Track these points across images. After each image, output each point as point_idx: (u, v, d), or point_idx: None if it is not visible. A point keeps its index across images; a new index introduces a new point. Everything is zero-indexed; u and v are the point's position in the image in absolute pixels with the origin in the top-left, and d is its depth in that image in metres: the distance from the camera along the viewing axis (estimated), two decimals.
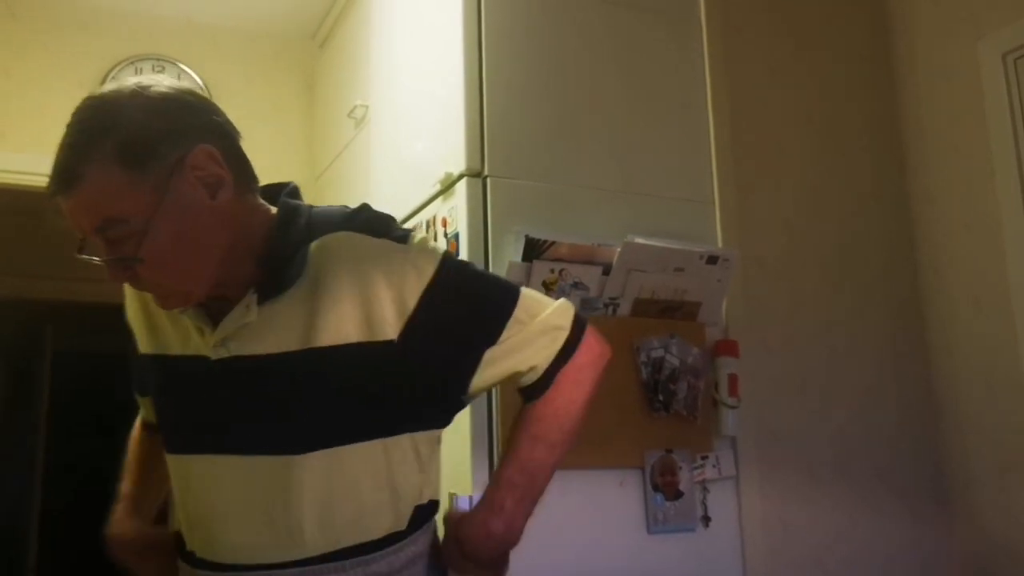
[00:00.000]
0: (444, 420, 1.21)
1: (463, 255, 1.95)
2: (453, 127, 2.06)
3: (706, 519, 2.03)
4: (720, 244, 2.21)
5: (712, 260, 2.09)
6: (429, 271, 1.13)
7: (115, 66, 2.99)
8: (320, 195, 3.14)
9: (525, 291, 1.21)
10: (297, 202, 1.21)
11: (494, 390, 1.87)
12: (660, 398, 2.02)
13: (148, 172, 1.04)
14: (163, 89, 1.10)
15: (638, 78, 2.24)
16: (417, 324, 1.11)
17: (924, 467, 2.39)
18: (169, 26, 3.12)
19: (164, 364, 1.20)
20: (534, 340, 1.18)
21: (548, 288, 1.96)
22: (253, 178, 1.17)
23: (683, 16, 2.34)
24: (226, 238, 1.12)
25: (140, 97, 1.07)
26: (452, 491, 1.76)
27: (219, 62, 3.12)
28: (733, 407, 2.09)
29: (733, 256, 2.13)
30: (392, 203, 2.33)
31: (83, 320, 4.91)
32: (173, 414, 1.20)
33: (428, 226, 2.14)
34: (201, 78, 3.05)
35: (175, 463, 1.18)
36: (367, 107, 2.77)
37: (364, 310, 1.10)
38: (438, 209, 2.10)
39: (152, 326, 1.23)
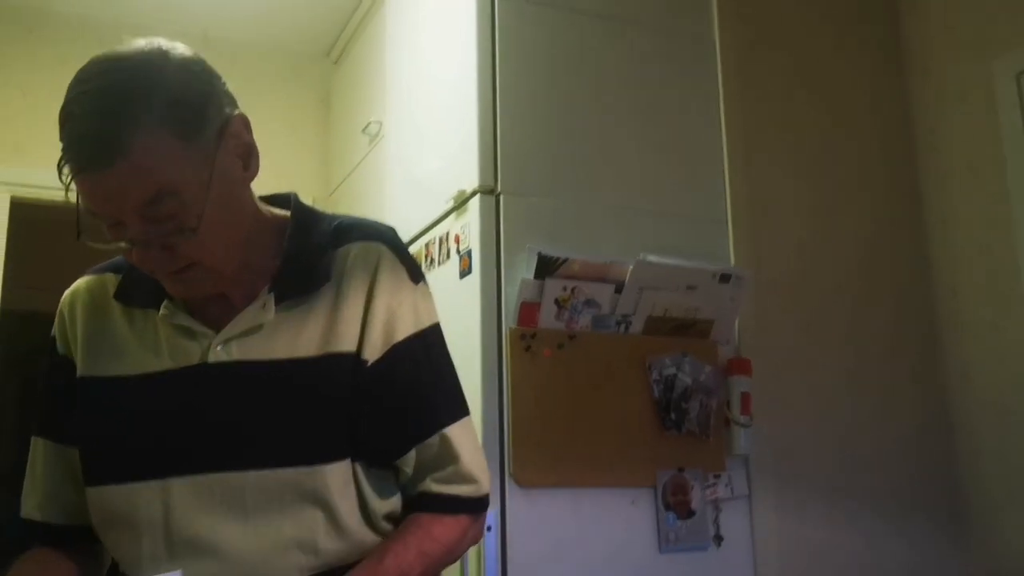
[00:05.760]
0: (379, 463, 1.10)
1: (476, 272, 1.96)
2: (467, 144, 2.07)
3: (718, 538, 2.02)
4: (733, 263, 2.21)
5: (725, 278, 2.09)
6: (424, 323, 1.11)
7: None
8: (333, 210, 3.15)
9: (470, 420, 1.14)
10: (313, 207, 1.18)
11: (505, 384, 1.89)
12: (672, 416, 2.01)
13: (198, 138, 0.96)
14: (186, 51, 1.01)
15: (652, 97, 2.25)
16: (390, 361, 1.07)
17: (940, 487, 2.37)
18: (185, 41, 3.14)
19: (125, 386, 1.05)
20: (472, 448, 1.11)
21: (561, 305, 1.96)
22: None
23: (697, 35, 2.35)
24: (252, 217, 1.08)
25: (171, 58, 0.98)
26: None
27: (234, 78, 3.12)
28: (746, 426, 2.08)
29: (746, 274, 2.13)
30: (405, 219, 2.34)
31: None
32: (137, 439, 1.04)
33: (441, 243, 2.14)
34: None
35: (139, 492, 1.02)
36: (381, 124, 2.78)
37: (361, 324, 1.07)
38: (451, 226, 2.11)
39: (101, 346, 1.09)
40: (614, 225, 2.11)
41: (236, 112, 1.04)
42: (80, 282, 1.16)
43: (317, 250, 1.09)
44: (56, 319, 1.14)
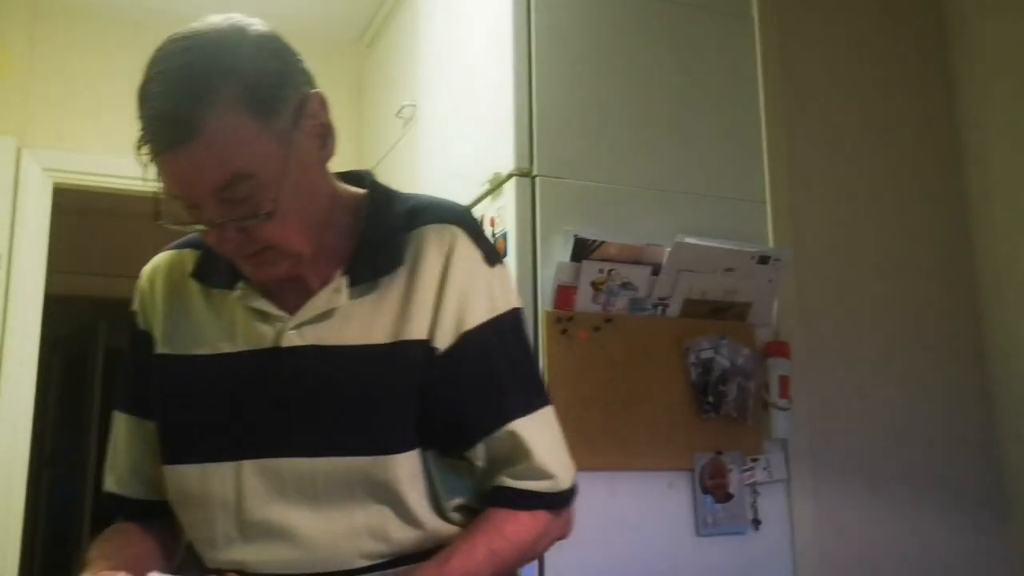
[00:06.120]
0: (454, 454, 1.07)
1: (512, 255, 1.95)
2: (502, 126, 2.06)
3: (756, 522, 2.00)
4: (772, 244, 2.18)
5: (763, 260, 2.06)
6: (500, 308, 1.06)
7: None
8: None
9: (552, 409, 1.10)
10: (390, 187, 1.14)
11: (541, 368, 1.86)
12: (710, 399, 1.99)
13: (274, 119, 0.94)
14: (263, 28, 1.00)
15: (689, 76, 2.22)
16: (461, 349, 1.03)
17: (983, 474, 2.33)
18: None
19: (201, 366, 1.05)
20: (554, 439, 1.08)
21: (597, 288, 1.94)
22: None
23: (736, 13, 2.31)
24: (328, 197, 1.05)
25: (248, 35, 0.96)
26: None
27: None
28: (784, 409, 2.05)
29: (785, 256, 2.10)
30: None
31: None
32: (211, 420, 1.04)
33: None
34: None
35: (213, 473, 1.02)
36: (415, 107, 2.78)
37: (433, 310, 1.03)
38: (486, 209, 2.10)
39: (179, 324, 1.08)
40: (651, 207, 2.09)
41: (314, 91, 1.01)
42: (159, 258, 1.15)
43: (392, 232, 1.06)
44: (136, 295, 1.14)
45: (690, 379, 1.99)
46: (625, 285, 1.97)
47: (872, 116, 2.47)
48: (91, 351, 4.37)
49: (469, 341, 1.03)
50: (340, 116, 3.39)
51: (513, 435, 1.03)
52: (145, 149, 0.92)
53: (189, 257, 1.12)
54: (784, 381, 2.07)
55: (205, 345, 1.06)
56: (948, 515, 2.25)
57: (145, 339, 1.11)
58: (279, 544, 0.99)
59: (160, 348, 1.08)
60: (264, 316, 1.04)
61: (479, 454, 1.04)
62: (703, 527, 1.95)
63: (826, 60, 2.44)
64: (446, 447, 1.05)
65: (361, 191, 1.12)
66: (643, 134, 2.14)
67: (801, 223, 2.27)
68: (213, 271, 1.08)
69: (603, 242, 1.94)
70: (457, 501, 1.05)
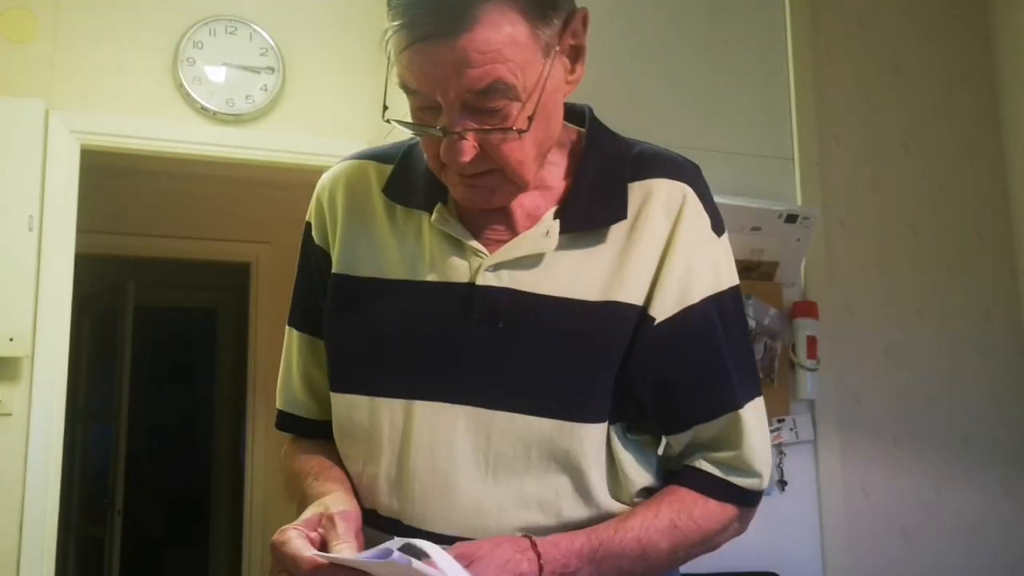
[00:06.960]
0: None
1: None
2: None
3: (782, 483, 2.00)
4: (799, 202, 2.15)
5: (791, 219, 2.04)
6: (724, 284, 0.95)
7: (190, 27, 3.03)
8: None
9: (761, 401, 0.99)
10: (609, 128, 1.01)
11: None
12: None
13: (546, 27, 0.84)
14: None
15: (717, 32, 2.17)
16: (682, 323, 0.92)
17: (1014, 435, 2.31)
18: None
19: (381, 289, 0.95)
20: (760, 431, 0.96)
21: None
22: None
23: None
24: (558, 128, 0.93)
25: None
26: None
27: (292, 23, 3.12)
28: (812, 370, 2.04)
29: (813, 214, 2.07)
30: None
31: (162, 276, 5.06)
32: (387, 350, 0.94)
33: None
34: (274, 39, 3.07)
35: (383, 408, 0.93)
36: None
37: (653, 275, 0.92)
38: None
39: (359, 242, 0.98)
40: None
41: (580, 7, 0.89)
42: (340, 168, 1.04)
43: (615, 179, 0.94)
44: (313, 205, 1.03)
45: None
46: None
47: (904, 69, 2.40)
48: (121, 309, 4.43)
49: (692, 316, 0.92)
50: (362, 75, 3.32)
51: (731, 424, 0.94)
52: (395, 36, 0.83)
53: (372, 169, 1.01)
54: (812, 341, 2.05)
55: (387, 268, 0.96)
56: (976, 475, 2.24)
57: (320, 254, 1.01)
58: (440, 501, 0.90)
59: (337, 267, 0.98)
60: (459, 248, 0.93)
61: (683, 438, 0.95)
62: None
63: (858, 10, 2.38)
64: (646, 427, 0.95)
65: (578, 129, 1.00)
66: (668, 90, 2.10)
67: (830, 180, 2.23)
68: (407, 189, 0.97)
69: None
70: (642, 483, 0.94)
